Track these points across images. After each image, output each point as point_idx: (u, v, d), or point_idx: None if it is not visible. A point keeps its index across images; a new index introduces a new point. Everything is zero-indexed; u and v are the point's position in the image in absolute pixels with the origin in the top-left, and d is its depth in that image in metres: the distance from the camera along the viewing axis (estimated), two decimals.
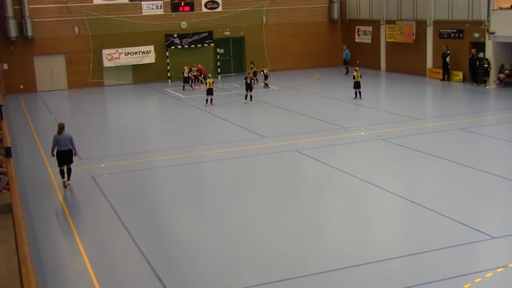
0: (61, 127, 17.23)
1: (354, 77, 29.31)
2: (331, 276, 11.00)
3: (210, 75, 30.44)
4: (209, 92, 29.09)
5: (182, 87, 34.94)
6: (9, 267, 8.62)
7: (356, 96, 29.49)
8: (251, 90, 29.58)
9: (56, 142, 17.17)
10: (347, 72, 39.72)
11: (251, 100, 29.40)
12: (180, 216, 14.96)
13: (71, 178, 17.33)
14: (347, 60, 40.73)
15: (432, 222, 13.39)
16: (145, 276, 11.33)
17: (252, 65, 36.24)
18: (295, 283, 10.76)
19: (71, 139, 17.26)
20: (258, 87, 33.65)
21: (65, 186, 17.11)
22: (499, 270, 10.80)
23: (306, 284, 10.68)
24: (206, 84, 29.92)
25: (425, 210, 14.05)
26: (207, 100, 29.28)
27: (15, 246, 8.53)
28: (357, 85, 29.26)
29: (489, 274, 10.64)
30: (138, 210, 15.12)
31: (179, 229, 14.05)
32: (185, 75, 34.80)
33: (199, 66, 37.46)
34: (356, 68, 30.13)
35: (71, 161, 17.36)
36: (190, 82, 35.23)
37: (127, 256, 12.36)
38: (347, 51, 40.95)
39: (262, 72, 34.93)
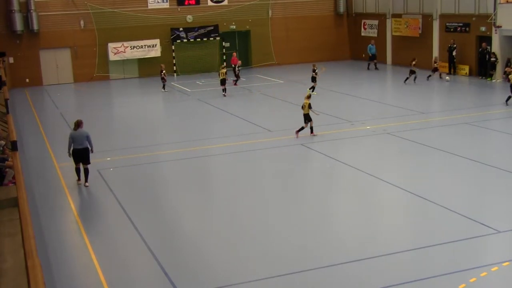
0: (77, 124, 16.40)
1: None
2: (337, 270, 11.00)
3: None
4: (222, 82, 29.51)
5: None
6: (15, 260, 8.66)
7: None
8: (315, 81, 29.50)
9: (72, 140, 16.32)
10: (370, 68, 38.62)
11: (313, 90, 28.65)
12: (186, 210, 14.98)
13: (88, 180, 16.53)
14: (373, 55, 38.85)
15: (437, 216, 13.39)
16: (152, 269, 11.35)
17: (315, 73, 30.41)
18: (303, 276, 10.78)
19: (87, 137, 16.39)
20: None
21: (79, 184, 16.59)
22: (504, 264, 10.78)
23: (314, 277, 10.69)
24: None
25: (430, 204, 14.03)
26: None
27: (22, 239, 8.56)
28: None
29: (494, 268, 10.62)
30: (144, 204, 15.15)
31: (186, 222, 14.06)
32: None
33: (234, 54, 36.41)
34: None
35: (88, 161, 16.47)
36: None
37: (133, 250, 12.39)
38: (372, 46, 38.96)
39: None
